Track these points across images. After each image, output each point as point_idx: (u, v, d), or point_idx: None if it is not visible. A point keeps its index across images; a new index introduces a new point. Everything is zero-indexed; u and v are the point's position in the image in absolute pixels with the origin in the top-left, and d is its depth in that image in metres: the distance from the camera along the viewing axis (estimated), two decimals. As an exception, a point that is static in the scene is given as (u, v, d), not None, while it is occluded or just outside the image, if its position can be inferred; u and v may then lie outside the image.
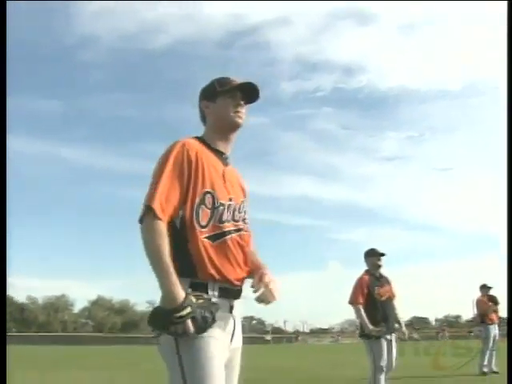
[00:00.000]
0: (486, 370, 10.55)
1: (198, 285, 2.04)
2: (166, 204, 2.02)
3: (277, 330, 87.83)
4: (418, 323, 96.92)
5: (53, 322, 79.72)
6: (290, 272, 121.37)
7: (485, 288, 11.45)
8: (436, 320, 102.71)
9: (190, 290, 1.98)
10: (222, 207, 2.13)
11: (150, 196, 2.02)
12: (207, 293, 2.04)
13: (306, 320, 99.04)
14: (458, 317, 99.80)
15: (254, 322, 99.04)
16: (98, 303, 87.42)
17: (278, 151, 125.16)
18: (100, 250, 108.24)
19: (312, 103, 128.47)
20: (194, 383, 1.92)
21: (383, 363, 6.11)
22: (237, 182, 2.35)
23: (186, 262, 2.05)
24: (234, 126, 2.30)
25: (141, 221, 2.02)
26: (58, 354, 27.53)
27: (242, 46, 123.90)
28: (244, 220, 2.26)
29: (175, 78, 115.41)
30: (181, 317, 1.84)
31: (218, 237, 2.11)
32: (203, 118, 2.39)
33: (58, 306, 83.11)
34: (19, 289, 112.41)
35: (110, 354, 27.52)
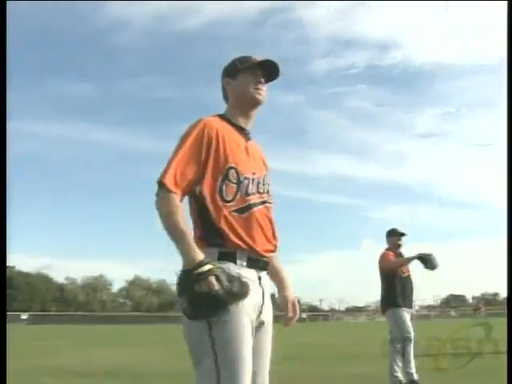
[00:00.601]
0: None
1: (226, 254, 2.07)
2: (180, 178, 2.06)
3: (313, 309, 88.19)
4: (455, 301, 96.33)
5: (92, 302, 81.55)
6: (325, 251, 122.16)
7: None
8: (473, 298, 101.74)
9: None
10: (246, 181, 2.18)
11: (164, 172, 2.06)
12: (235, 262, 2.07)
13: (341, 298, 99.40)
14: (495, 294, 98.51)
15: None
16: (136, 283, 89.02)
17: (312, 129, 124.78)
18: (136, 230, 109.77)
19: (346, 81, 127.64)
20: (225, 364, 1.93)
21: (411, 334, 6.24)
22: (259, 156, 2.38)
23: (214, 234, 2.08)
24: (255, 102, 2.32)
25: (156, 195, 2.06)
26: (96, 332, 28.18)
27: (275, 25, 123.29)
28: (268, 192, 2.29)
29: (207, 59, 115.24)
30: (201, 273, 1.85)
31: (246, 209, 2.14)
32: (225, 96, 2.42)
33: (96, 286, 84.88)
34: (58, 269, 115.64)
35: (147, 333, 28.06)
